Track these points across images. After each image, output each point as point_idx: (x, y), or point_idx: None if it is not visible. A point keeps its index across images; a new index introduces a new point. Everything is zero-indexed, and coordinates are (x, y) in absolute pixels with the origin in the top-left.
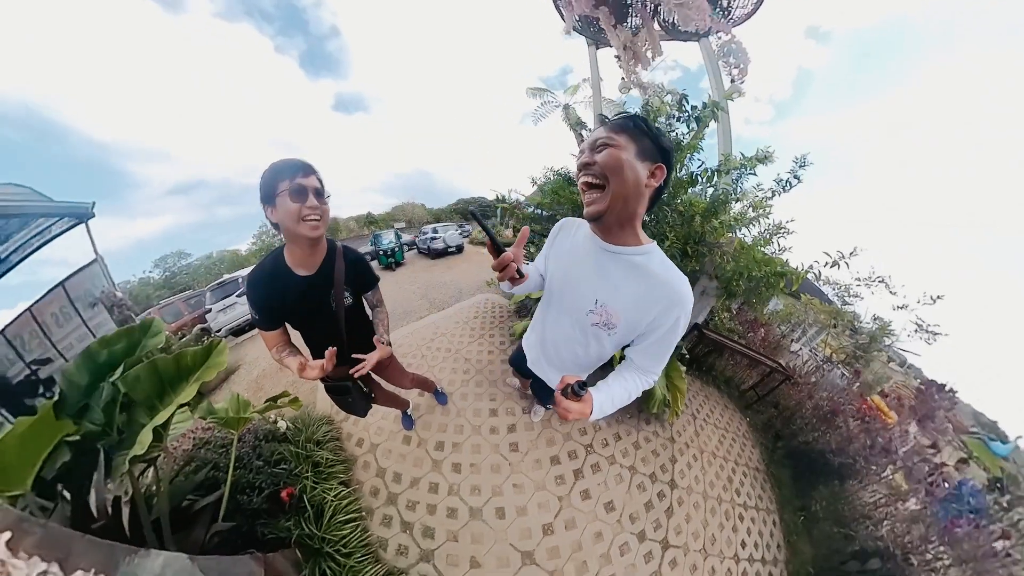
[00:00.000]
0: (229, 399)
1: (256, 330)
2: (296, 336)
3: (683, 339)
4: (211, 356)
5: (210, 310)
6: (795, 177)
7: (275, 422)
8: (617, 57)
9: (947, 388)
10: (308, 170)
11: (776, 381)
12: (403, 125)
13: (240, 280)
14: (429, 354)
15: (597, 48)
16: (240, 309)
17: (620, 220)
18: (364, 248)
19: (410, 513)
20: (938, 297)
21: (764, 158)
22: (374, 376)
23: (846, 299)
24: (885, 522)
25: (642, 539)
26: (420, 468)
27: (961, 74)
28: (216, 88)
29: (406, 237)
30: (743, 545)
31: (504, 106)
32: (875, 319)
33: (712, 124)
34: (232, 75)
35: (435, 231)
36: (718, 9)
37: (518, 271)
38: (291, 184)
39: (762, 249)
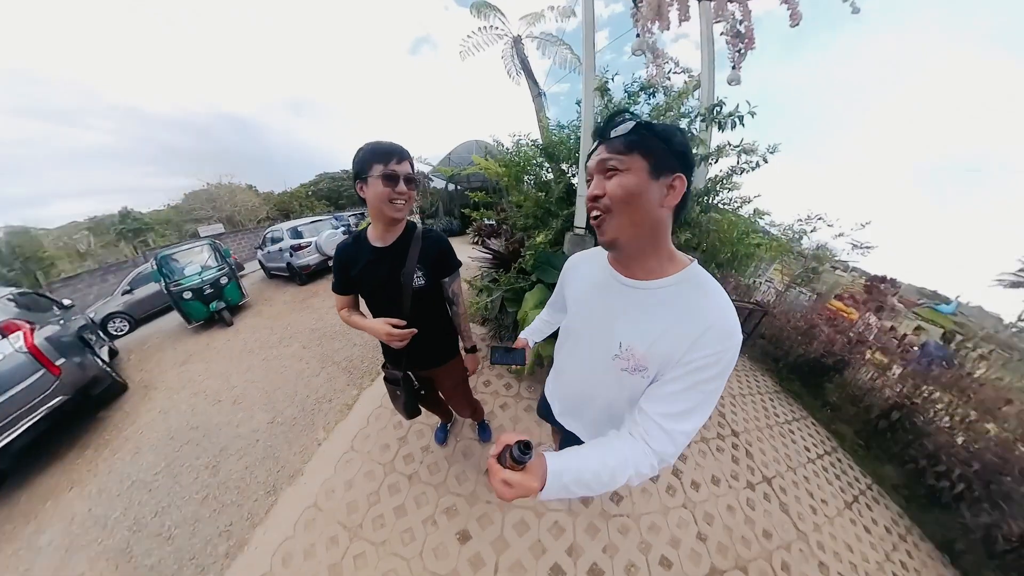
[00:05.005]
0: None
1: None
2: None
3: None
4: None
5: None
6: (763, 159)
7: None
8: (636, 6)
9: (887, 278)
10: (403, 156)
11: (757, 318)
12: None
13: None
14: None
15: None
16: None
17: (641, 248)
18: (121, 300)
19: None
20: (867, 223)
21: (747, 149)
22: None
23: (791, 237)
24: (885, 389)
25: (752, 488)
26: None
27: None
28: None
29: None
30: (807, 449)
31: (388, 19)
32: (817, 246)
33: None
34: None
35: (297, 233)
36: None
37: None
38: (385, 169)
39: (744, 231)
